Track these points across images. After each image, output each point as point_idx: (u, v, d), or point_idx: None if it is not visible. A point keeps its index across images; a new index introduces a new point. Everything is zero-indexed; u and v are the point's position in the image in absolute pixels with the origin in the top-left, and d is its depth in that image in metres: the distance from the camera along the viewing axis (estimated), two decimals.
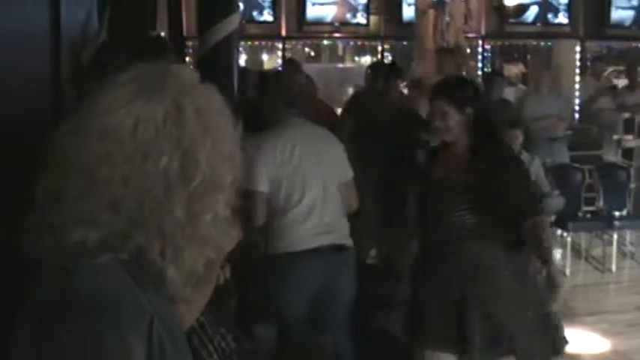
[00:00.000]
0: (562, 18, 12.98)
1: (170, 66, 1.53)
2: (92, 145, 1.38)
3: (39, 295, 1.38)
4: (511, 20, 12.84)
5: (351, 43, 14.08)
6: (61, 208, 1.38)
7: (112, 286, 1.37)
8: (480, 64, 13.10)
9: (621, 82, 12.36)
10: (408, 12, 12.39)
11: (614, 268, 8.21)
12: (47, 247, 1.39)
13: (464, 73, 11.80)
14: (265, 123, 4.75)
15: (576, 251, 8.51)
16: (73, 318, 1.32)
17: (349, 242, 4.67)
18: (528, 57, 14.73)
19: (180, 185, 1.41)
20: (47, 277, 1.39)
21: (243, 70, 8.37)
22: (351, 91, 12.71)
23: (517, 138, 7.96)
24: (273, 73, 6.74)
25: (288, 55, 12.94)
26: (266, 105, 4.81)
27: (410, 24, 12.25)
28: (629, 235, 8.73)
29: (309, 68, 12.06)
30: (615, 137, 10.79)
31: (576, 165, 8.95)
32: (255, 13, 12.42)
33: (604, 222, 8.37)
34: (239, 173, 1.52)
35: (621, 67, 14.20)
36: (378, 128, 7.47)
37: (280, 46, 13.14)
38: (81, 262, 1.37)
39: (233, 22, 6.57)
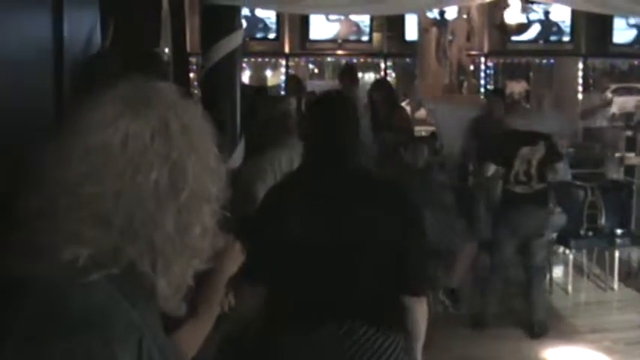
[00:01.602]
0: (564, 36, 13.00)
1: (153, 83, 1.55)
2: (79, 163, 1.40)
3: (28, 313, 1.39)
4: (513, 38, 12.87)
5: (354, 60, 14.11)
6: (49, 228, 1.40)
7: (101, 303, 1.38)
8: (482, 82, 13.12)
9: (621, 99, 12.40)
10: (411, 29, 12.44)
11: (616, 286, 8.19)
12: (36, 265, 1.39)
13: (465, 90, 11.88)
14: None
15: (578, 269, 8.49)
16: (62, 335, 1.33)
17: None
18: (531, 74, 14.76)
19: (169, 198, 1.44)
20: (37, 295, 1.40)
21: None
22: None
23: None
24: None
25: (292, 72, 12.99)
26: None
27: (413, 41, 12.30)
28: (632, 253, 8.71)
29: (312, 85, 12.12)
30: (617, 155, 10.80)
31: (578, 182, 8.94)
32: (258, 31, 12.46)
33: (606, 240, 8.35)
34: (224, 185, 1.55)
35: (625, 85, 14.25)
36: None
37: (284, 62, 13.18)
38: (71, 280, 1.38)
39: (236, 39, 6.62)
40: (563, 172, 7.22)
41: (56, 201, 1.40)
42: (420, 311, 3.08)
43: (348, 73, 9.53)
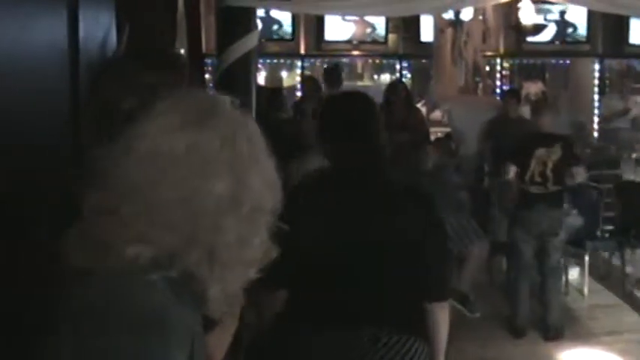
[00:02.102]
0: (580, 36, 12.95)
1: (216, 94, 1.61)
2: (148, 167, 1.45)
3: (86, 305, 1.43)
4: (529, 39, 12.82)
5: (370, 61, 14.09)
6: (114, 226, 1.44)
7: (161, 302, 1.43)
8: (498, 83, 13.08)
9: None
10: (427, 30, 12.42)
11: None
12: (97, 260, 1.44)
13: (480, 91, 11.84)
14: None
15: (594, 270, 8.45)
16: (126, 330, 1.38)
17: None
18: (547, 75, 14.70)
19: (232, 209, 1.48)
20: (100, 289, 1.44)
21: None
22: None
23: None
24: None
25: (307, 73, 12.97)
26: None
27: (428, 42, 12.28)
28: None
29: None
30: (634, 156, 10.75)
31: (594, 184, 8.91)
32: (274, 31, 12.47)
33: (622, 241, 8.30)
34: (279, 198, 1.59)
35: None
36: None
37: (299, 63, 13.18)
38: (134, 278, 1.43)
39: (252, 40, 6.63)
40: (582, 176, 7.17)
41: (125, 202, 1.44)
42: (442, 317, 3.06)
43: (332, 75, 9.50)
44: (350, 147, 3.04)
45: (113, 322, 1.39)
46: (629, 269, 8.25)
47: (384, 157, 3.15)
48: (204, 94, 1.61)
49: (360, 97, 3.30)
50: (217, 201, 1.46)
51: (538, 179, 6.83)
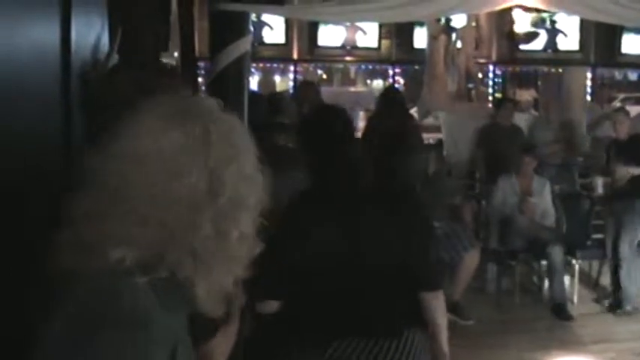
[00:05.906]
0: (573, 45, 12.97)
1: (194, 96, 1.66)
2: (126, 169, 1.48)
3: (75, 304, 1.45)
4: (522, 46, 12.84)
5: (363, 66, 14.10)
6: (98, 229, 1.47)
7: (144, 304, 1.46)
8: (490, 90, 13.09)
9: (634, 110, 12.36)
10: (420, 37, 12.44)
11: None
12: (83, 262, 1.47)
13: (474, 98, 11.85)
14: None
15: (585, 279, 8.45)
16: (111, 327, 1.41)
17: None
18: (539, 83, 14.74)
19: (207, 203, 1.50)
20: (85, 288, 1.46)
21: None
22: (362, 115, 12.69)
23: (529, 164, 8.02)
24: None
25: (300, 77, 12.97)
26: None
27: (421, 49, 12.30)
28: None
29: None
30: None
31: (585, 192, 8.90)
32: (267, 36, 12.47)
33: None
34: (262, 194, 1.61)
35: (634, 95, 14.19)
36: None
37: (292, 68, 13.19)
38: (120, 279, 1.45)
39: (244, 45, 6.63)
40: None
41: (107, 205, 1.47)
42: (436, 304, 3.17)
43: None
44: (351, 159, 3.08)
45: (101, 321, 1.41)
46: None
47: (370, 168, 3.17)
48: (178, 95, 1.63)
49: (335, 112, 3.38)
50: (191, 197, 1.48)
51: None
